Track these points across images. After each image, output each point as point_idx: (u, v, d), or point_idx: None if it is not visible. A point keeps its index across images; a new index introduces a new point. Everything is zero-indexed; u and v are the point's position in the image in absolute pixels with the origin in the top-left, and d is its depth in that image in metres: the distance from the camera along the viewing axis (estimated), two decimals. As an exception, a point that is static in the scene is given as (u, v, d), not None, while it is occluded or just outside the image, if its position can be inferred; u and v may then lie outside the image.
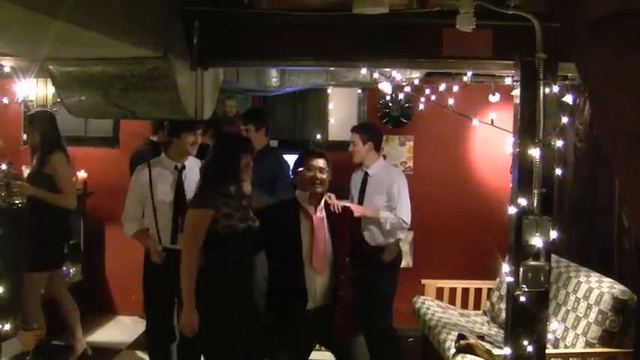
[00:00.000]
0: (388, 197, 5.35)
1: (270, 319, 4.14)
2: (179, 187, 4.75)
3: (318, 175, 4.12)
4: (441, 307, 5.91)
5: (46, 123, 5.50)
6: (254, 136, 5.51)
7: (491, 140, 6.51)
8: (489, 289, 6.07)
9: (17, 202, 5.66)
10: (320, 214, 4.16)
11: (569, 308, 4.83)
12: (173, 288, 4.70)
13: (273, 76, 5.91)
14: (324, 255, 4.10)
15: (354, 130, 5.66)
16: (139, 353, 6.06)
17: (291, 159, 5.72)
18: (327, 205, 4.23)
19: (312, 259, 4.05)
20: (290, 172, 5.57)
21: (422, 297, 6.07)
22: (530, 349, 3.77)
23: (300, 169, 4.20)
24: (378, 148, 5.60)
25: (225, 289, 3.99)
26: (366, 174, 5.57)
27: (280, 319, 4.10)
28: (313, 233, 4.09)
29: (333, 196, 4.32)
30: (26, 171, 6.34)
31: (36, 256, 5.35)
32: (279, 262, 4.16)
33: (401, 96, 6.74)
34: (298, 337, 4.07)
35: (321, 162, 4.15)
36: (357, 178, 5.65)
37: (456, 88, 5.67)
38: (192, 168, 4.82)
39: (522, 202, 3.76)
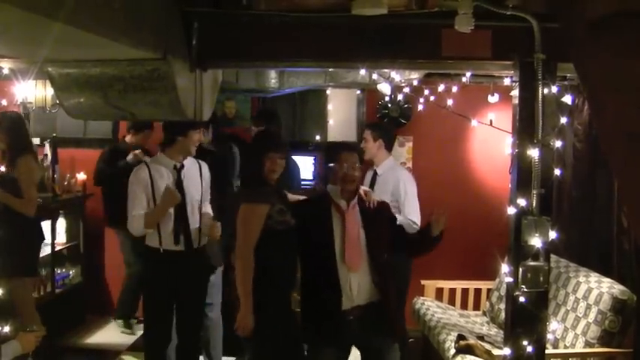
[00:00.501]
0: (394, 197, 5.33)
1: (305, 317, 4.09)
2: (179, 187, 4.70)
3: (350, 171, 4.02)
4: (441, 308, 5.92)
5: (15, 125, 5.39)
6: None
7: (491, 141, 6.51)
8: (489, 290, 6.08)
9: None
10: (353, 209, 4.04)
11: (568, 308, 4.83)
12: (173, 290, 4.71)
13: (273, 77, 5.92)
14: (357, 251, 3.96)
15: (367, 126, 5.84)
16: (138, 355, 6.05)
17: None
18: (361, 199, 4.11)
19: (344, 256, 3.93)
20: (300, 174, 5.66)
21: (422, 298, 6.08)
22: (529, 349, 3.78)
23: (331, 164, 4.09)
24: (388, 147, 5.62)
25: (277, 286, 4.01)
26: (375, 173, 5.58)
27: (315, 318, 4.02)
28: (345, 229, 3.97)
29: (369, 191, 4.21)
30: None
31: (26, 260, 5.32)
32: (310, 260, 4.06)
33: (400, 97, 6.74)
34: (335, 336, 3.96)
35: (354, 157, 4.05)
36: (366, 177, 5.67)
37: (455, 89, 5.68)
38: (190, 168, 4.82)
39: (521, 202, 3.76)
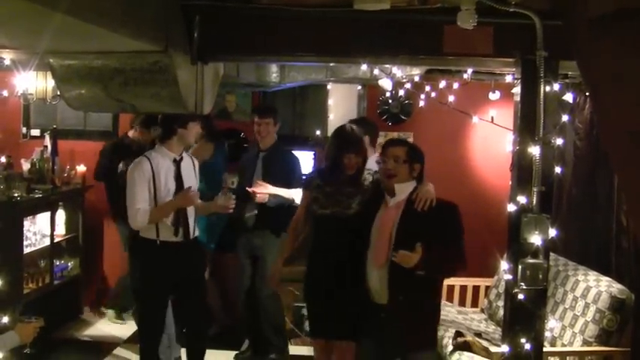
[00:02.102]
0: None
1: None
2: (178, 179, 4.72)
3: (389, 165, 3.89)
4: (439, 305, 5.91)
5: None
6: (272, 130, 5.58)
7: (491, 138, 6.50)
8: (487, 287, 6.07)
9: (16, 195, 5.68)
10: (397, 205, 3.91)
11: (566, 307, 4.83)
12: (170, 282, 4.73)
13: (274, 72, 5.90)
14: (382, 249, 3.85)
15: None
16: (135, 348, 6.04)
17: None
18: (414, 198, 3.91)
19: (372, 251, 3.92)
20: (301, 167, 5.69)
21: (420, 294, 6.06)
22: (527, 347, 3.78)
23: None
24: (373, 143, 5.56)
25: (317, 262, 4.34)
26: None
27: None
28: (379, 224, 3.94)
29: (424, 192, 3.94)
30: (25, 164, 6.35)
31: None
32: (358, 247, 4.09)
33: (401, 93, 6.72)
34: (363, 329, 4.03)
35: (396, 150, 3.92)
36: None
37: (456, 86, 5.67)
38: (187, 162, 4.85)
39: (522, 199, 3.76)
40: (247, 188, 5.46)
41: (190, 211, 4.76)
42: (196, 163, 4.95)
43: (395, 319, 3.81)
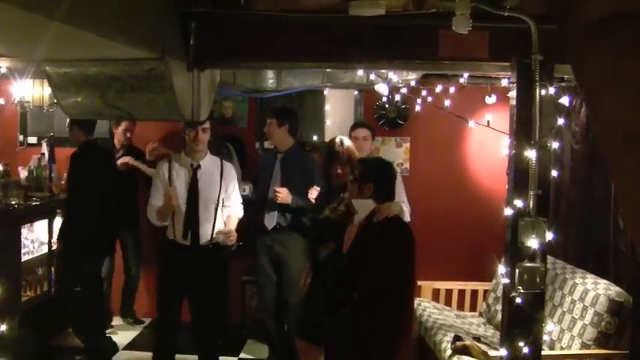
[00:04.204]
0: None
1: None
2: (193, 185, 4.83)
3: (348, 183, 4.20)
4: (437, 309, 5.92)
5: None
6: (276, 132, 5.64)
7: (488, 142, 6.51)
8: (485, 291, 6.08)
9: (13, 202, 5.68)
10: (359, 225, 4.02)
11: (564, 310, 4.83)
12: (183, 282, 4.92)
13: (270, 78, 5.90)
14: None
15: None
16: (135, 354, 6.05)
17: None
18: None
19: None
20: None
21: (418, 298, 6.07)
22: (525, 350, 3.78)
23: None
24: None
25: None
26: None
27: None
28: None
29: (385, 207, 3.97)
30: (23, 172, 6.34)
31: None
32: None
33: (397, 97, 6.74)
34: None
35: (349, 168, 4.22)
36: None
37: (452, 90, 5.68)
38: (209, 169, 4.93)
39: (518, 203, 3.76)
40: (269, 193, 5.45)
41: (205, 218, 4.85)
42: (228, 167, 5.04)
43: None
